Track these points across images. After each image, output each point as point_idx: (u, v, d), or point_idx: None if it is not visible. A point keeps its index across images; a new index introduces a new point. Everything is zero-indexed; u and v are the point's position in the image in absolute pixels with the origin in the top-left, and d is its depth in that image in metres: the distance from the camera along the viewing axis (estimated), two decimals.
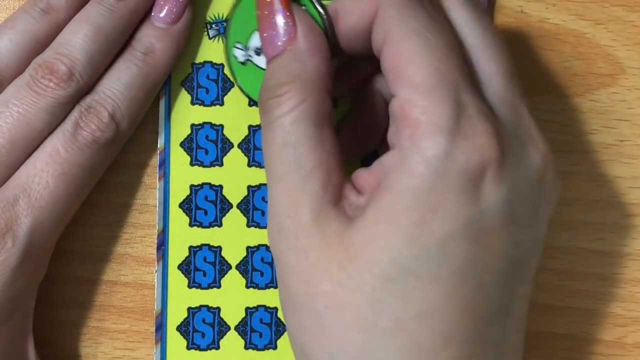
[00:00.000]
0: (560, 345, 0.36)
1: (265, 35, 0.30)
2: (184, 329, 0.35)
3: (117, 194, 0.35)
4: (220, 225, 0.35)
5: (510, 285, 0.27)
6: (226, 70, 0.35)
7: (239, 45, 0.33)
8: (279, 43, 0.29)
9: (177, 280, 0.35)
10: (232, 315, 0.35)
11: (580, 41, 0.36)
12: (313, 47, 0.29)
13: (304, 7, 0.30)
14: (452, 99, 0.26)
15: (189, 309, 0.35)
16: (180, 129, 0.35)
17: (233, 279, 0.35)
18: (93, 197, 0.35)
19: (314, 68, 0.28)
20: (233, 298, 0.35)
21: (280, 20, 0.29)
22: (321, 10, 0.30)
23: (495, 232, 0.26)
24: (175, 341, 0.35)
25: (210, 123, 0.35)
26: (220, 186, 0.35)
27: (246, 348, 0.35)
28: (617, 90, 0.36)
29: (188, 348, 0.35)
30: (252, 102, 0.35)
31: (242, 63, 0.33)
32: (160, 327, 0.35)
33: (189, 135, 0.35)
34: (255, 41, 0.32)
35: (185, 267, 0.35)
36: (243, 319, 0.35)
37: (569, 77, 0.36)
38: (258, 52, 0.32)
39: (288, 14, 0.29)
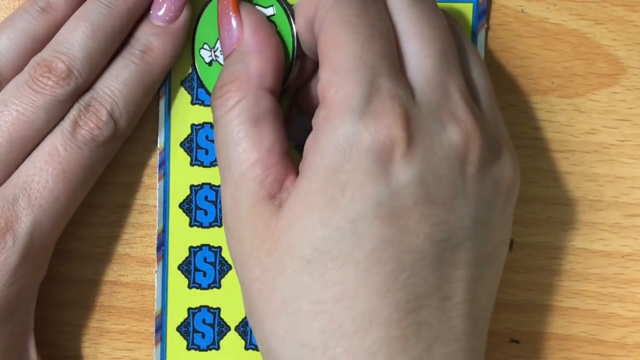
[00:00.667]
0: (560, 346, 0.36)
1: (220, 36, 0.31)
2: (184, 329, 0.35)
3: (117, 194, 0.35)
4: (220, 225, 0.35)
5: (441, 269, 0.27)
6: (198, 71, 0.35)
7: (205, 46, 0.33)
8: (229, 44, 0.30)
9: (177, 280, 0.35)
10: (232, 316, 0.35)
11: (580, 41, 0.36)
12: (255, 47, 0.30)
13: (271, 8, 0.31)
14: (366, 81, 0.26)
15: (189, 309, 0.35)
16: (180, 129, 0.35)
17: (233, 279, 0.35)
18: (93, 197, 0.35)
19: (254, 68, 0.29)
20: (233, 298, 0.35)
21: (232, 22, 0.30)
22: (287, 10, 0.31)
23: (409, 213, 0.26)
24: (175, 342, 0.35)
25: (210, 123, 0.35)
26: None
27: (246, 348, 0.35)
28: (617, 90, 0.36)
29: (188, 348, 0.35)
30: None
31: (208, 63, 0.33)
32: (160, 327, 0.35)
33: (189, 135, 0.35)
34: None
35: (186, 268, 0.35)
36: (243, 319, 0.35)
37: (569, 77, 0.36)
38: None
39: (236, 15, 0.30)
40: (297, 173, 0.29)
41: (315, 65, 0.31)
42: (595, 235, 0.36)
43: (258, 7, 0.32)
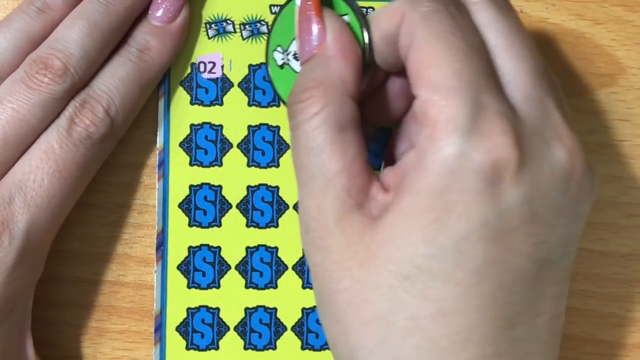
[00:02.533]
0: (560, 346, 0.36)
1: (299, 40, 0.30)
2: (183, 329, 0.35)
3: (117, 194, 0.35)
4: (219, 225, 0.35)
5: (537, 286, 0.27)
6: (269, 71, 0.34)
7: (279, 49, 0.33)
8: (309, 48, 0.30)
9: (176, 280, 0.35)
10: (232, 316, 0.35)
11: (579, 41, 0.36)
12: (339, 52, 0.29)
13: (346, 16, 0.31)
14: (471, 99, 0.26)
15: (188, 309, 0.35)
16: (179, 129, 0.35)
17: (232, 280, 0.35)
18: (92, 197, 0.35)
19: (338, 73, 0.29)
20: (232, 298, 0.35)
21: (314, 26, 0.30)
22: (361, 19, 0.30)
23: (515, 233, 0.26)
24: (174, 341, 0.35)
25: (209, 123, 0.35)
26: (220, 186, 0.35)
27: (245, 348, 0.35)
28: (616, 90, 0.36)
29: (187, 348, 0.35)
30: (253, 103, 0.35)
31: (280, 66, 0.33)
32: (159, 327, 0.35)
33: (188, 136, 0.35)
34: (294, 46, 0.33)
35: (185, 268, 0.35)
36: (242, 319, 0.35)
37: (568, 77, 0.36)
38: (296, 57, 0.32)
39: (319, 19, 0.30)
40: (379, 181, 0.28)
41: (385, 76, 0.31)
42: (594, 235, 0.36)
43: None
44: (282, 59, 0.33)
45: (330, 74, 0.29)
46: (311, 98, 0.28)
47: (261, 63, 0.35)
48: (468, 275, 0.26)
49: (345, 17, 0.31)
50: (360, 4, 0.34)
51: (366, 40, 0.30)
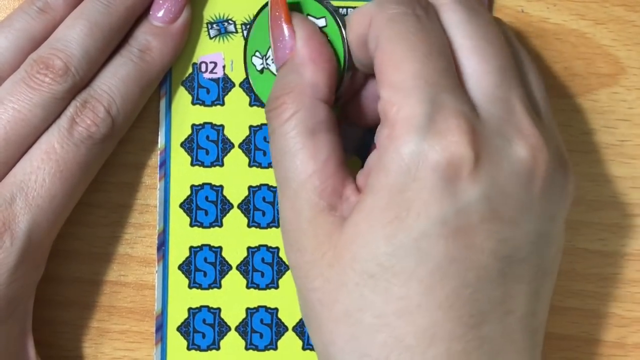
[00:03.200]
0: (560, 346, 0.36)
1: (273, 46, 0.31)
2: (185, 329, 0.35)
3: (118, 194, 0.35)
4: (220, 225, 0.35)
5: (505, 283, 0.27)
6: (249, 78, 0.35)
7: (257, 54, 0.33)
8: (282, 55, 0.31)
9: (177, 280, 0.35)
10: (233, 316, 0.35)
11: (580, 41, 0.36)
12: (309, 57, 0.30)
13: (323, 19, 0.31)
14: (428, 99, 0.26)
15: (190, 309, 0.35)
16: (180, 129, 0.35)
17: (233, 280, 0.35)
18: (93, 197, 0.35)
19: (308, 78, 0.30)
20: (233, 298, 0.35)
21: (285, 32, 0.30)
22: (339, 22, 0.31)
23: (475, 230, 0.26)
24: (175, 342, 0.35)
25: (211, 123, 0.35)
26: (221, 186, 0.35)
27: (246, 349, 0.35)
28: (617, 90, 0.36)
29: (188, 349, 0.35)
30: (255, 103, 0.35)
31: (260, 71, 0.33)
32: (160, 327, 0.35)
33: (189, 136, 0.35)
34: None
35: (186, 268, 0.35)
36: (243, 319, 0.35)
37: (569, 77, 0.36)
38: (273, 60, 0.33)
39: (288, 25, 0.30)
40: (354, 182, 0.29)
41: (366, 78, 0.32)
42: (594, 235, 0.36)
43: (310, 18, 0.32)
44: (261, 63, 0.33)
45: (300, 80, 0.30)
46: (283, 105, 0.29)
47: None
48: (430, 272, 0.26)
49: (322, 20, 0.31)
50: (341, 4, 0.34)
51: (345, 41, 0.30)
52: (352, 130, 0.33)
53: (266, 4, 0.32)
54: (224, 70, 0.35)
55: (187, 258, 0.35)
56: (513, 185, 0.27)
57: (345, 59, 0.31)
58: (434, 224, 0.26)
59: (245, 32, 0.35)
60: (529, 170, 0.27)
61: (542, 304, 0.28)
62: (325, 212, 0.28)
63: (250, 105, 0.35)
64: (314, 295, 0.28)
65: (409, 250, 0.26)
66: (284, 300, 0.35)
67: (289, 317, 0.35)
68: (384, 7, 0.28)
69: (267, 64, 0.33)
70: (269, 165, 0.35)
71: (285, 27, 0.31)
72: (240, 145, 0.35)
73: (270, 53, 0.33)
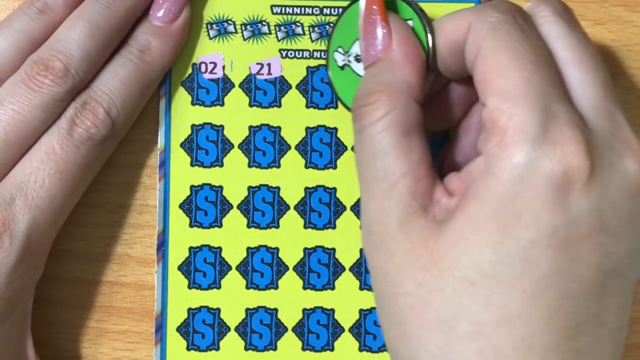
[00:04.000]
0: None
1: (364, 44, 0.31)
2: (184, 329, 0.35)
3: (117, 194, 0.35)
4: (220, 226, 0.35)
5: (603, 296, 0.27)
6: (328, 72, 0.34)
7: (340, 50, 0.33)
8: (374, 52, 0.30)
9: (177, 281, 0.35)
10: (232, 316, 0.35)
11: None
12: (405, 57, 0.30)
13: (410, 21, 0.31)
14: (541, 107, 0.26)
15: (189, 309, 0.35)
16: (180, 130, 0.35)
17: (233, 280, 0.35)
18: (93, 197, 0.35)
19: (404, 78, 0.29)
20: (233, 299, 0.35)
21: (379, 30, 0.30)
22: (426, 25, 0.30)
23: (583, 242, 0.26)
24: (175, 342, 0.35)
25: (210, 123, 0.35)
26: (221, 187, 0.35)
27: (246, 349, 0.35)
28: (617, 90, 0.36)
29: (188, 349, 0.35)
30: (254, 104, 0.35)
31: (341, 67, 0.33)
32: (160, 328, 0.35)
33: (189, 136, 0.35)
34: (356, 48, 0.33)
35: (185, 268, 0.35)
36: (243, 320, 0.35)
37: None
38: (357, 58, 0.33)
39: (384, 24, 0.30)
40: (443, 185, 0.29)
41: (445, 83, 0.32)
42: None
43: None
44: (343, 60, 0.33)
45: (395, 78, 0.29)
46: (377, 102, 0.29)
47: (260, 62, 0.35)
48: (534, 282, 0.26)
49: (410, 22, 0.31)
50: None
51: (430, 45, 0.30)
52: None
53: (355, 1, 0.32)
54: (223, 70, 0.35)
55: (186, 258, 0.35)
56: (622, 198, 0.26)
57: (429, 62, 0.30)
58: (543, 235, 0.26)
59: (243, 32, 0.35)
60: (638, 184, 0.27)
61: (628, 316, 0.28)
62: (418, 213, 0.28)
63: (250, 105, 0.35)
64: (402, 299, 0.27)
65: (515, 259, 0.26)
66: (284, 300, 0.35)
67: (289, 317, 0.35)
68: (484, 14, 0.28)
69: (349, 60, 0.33)
70: (269, 166, 0.35)
71: (380, 25, 0.30)
72: (240, 146, 0.35)
73: (353, 50, 0.33)
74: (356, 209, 0.35)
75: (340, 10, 0.34)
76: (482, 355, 0.26)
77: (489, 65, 0.27)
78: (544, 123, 0.26)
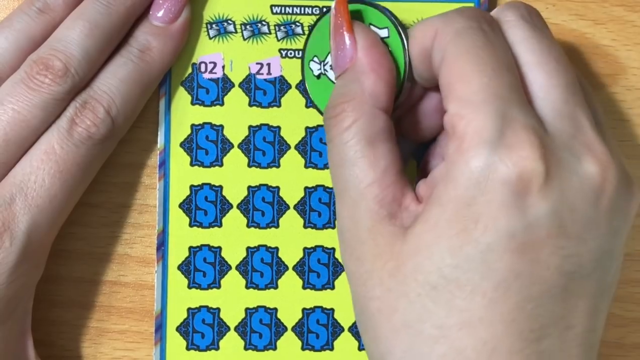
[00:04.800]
0: None
1: (333, 54, 0.31)
2: (184, 329, 0.35)
3: (117, 194, 0.35)
4: (220, 225, 0.35)
5: (567, 299, 0.27)
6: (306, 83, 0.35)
7: (315, 59, 0.33)
8: (342, 63, 0.31)
9: (177, 280, 0.35)
10: (232, 316, 0.35)
11: (580, 41, 0.36)
12: (370, 67, 0.30)
13: (385, 30, 0.31)
14: (498, 112, 0.26)
15: (189, 309, 0.35)
16: (180, 129, 0.35)
17: (233, 280, 0.35)
18: (93, 197, 0.35)
19: (369, 87, 0.30)
20: (233, 299, 0.35)
21: (346, 40, 0.31)
22: (401, 33, 0.31)
23: (542, 245, 0.26)
24: (175, 342, 0.35)
25: (210, 123, 0.35)
26: (221, 186, 0.35)
27: (246, 349, 0.35)
28: (617, 90, 0.36)
29: (188, 349, 0.35)
30: (254, 103, 0.35)
31: (317, 77, 0.33)
32: (160, 327, 0.35)
33: (189, 136, 0.35)
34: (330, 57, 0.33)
35: (185, 268, 0.35)
36: (243, 319, 0.35)
37: None
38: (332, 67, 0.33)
39: (350, 34, 0.31)
40: (413, 191, 0.29)
41: (424, 92, 0.32)
42: None
43: (372, 28, 0.32)
44: (319, 69, 0.33)
45: (360, 89, 0.30)
46: (343, 113, 0.29)
47: (259, 61, 0.35)
48: (494, 286, 0.26)
49: (385, 31, 0.31)
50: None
51: (406, 53, 0.30)
52: (405, 143, 0.32)
53: (328, 10, 0.32)
54: (223, 70, 0.35)
55: (186, 258, 0.35)
56: (581, 201, 0.26)
57: (406, 71, 0.31)
58: (501, 238, 0.26)
59: (243, 32, 0.35)
60: (598, 187, 0.27)
61: (600, 320, 0.28)
62: (385, 220, 0.28)
63: (250, 105, 0.35)
64: (372, 304, 0.28)
65: (474, 263, 0.26)
66: (283, 300, 0.35)
67: (288, 317, 0.35)
68: (449, 20, 0.28)
69: (324, 70, 0.33)
70: (268, 166, 0.35)
71: (346, 35, 0.31)
72: (240, 146, 0.35)
73: (328, 59, 0.33)
74: None
75: (316, 19, 0.34)
76: (446, 358, 0.26)
77: (451, 71, 0.27)
78: (501, 128, 0.26)
